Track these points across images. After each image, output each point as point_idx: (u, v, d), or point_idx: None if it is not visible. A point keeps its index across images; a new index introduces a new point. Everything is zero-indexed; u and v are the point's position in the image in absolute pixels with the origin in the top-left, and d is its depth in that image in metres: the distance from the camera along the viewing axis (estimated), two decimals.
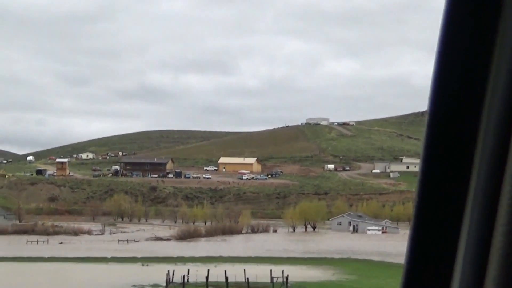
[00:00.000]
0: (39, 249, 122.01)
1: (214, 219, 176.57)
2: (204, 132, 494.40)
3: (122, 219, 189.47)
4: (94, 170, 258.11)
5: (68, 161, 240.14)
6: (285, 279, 78.66)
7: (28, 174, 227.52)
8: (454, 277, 1.68)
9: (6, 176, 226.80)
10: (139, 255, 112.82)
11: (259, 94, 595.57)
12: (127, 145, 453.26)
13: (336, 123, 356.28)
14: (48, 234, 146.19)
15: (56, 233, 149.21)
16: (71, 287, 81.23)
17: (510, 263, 1.45)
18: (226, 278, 76.55)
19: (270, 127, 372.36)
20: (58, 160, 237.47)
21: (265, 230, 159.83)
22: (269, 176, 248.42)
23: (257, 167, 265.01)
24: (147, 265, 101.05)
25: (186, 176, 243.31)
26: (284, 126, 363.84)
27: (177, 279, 79.84)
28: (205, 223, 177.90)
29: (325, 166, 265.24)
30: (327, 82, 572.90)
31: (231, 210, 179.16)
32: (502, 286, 1.47)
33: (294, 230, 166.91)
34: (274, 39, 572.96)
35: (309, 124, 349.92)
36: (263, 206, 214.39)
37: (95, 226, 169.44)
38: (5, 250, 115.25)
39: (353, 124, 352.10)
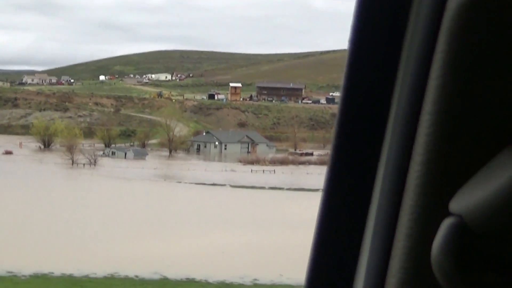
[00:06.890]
0: None
1: None
2: (224, 53, 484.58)
3: None
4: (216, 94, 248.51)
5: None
6: None
7: (199, 98, 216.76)
8: (357, 278, 1.71)
9: (173, 100, 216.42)
10: None
11: (157, 11, 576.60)
12: (152, 65, 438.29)
13: None
14: None
15: None
16: None
17: (411, 266, 1.45)
18: None
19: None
20: (232, 84, 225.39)
21: None
22: None
23: None
24: None
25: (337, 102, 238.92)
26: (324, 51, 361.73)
27: None
28: None
29: None
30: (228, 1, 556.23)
31: None
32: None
33: None
34: None
35: None
36: None
37: None
38: None
39: None
